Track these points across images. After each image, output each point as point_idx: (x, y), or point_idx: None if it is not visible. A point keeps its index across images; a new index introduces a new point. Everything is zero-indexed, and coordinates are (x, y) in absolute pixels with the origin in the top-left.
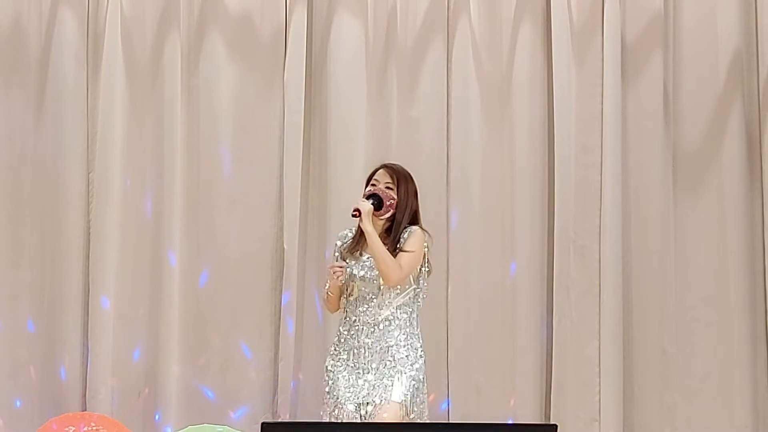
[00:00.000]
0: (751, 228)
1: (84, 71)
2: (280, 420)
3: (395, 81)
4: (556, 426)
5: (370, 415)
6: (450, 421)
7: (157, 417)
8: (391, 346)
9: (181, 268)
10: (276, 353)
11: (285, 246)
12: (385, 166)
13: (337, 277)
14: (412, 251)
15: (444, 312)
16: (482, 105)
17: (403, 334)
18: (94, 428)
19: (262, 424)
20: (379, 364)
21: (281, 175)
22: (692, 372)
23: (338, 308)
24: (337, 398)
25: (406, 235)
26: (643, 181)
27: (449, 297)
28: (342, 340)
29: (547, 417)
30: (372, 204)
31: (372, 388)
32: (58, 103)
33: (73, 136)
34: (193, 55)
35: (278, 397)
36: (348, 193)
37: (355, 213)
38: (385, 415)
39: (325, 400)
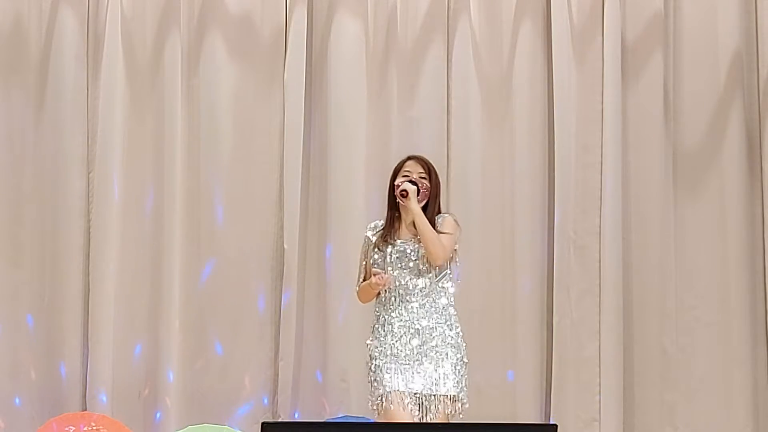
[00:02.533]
0: (751, 228)
1: (84, 71)
2: (280, 420)
3: (395, 81)
4: (556, 426)
5: (427, 410)
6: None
7: (157, 417)
8: (432, 327)
9: (181, 268)
10: (276, 353)
11: (285, 246)
12: (414, 158)
13: (384, 286)
14: (451, 233)
15: None
16: (482, 105)
17: (439, 313)
18: (94, 428)
19: (262, 424)
20: (423, 347)
21: (281, 175)
22: (692, 372)
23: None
24: (387, 390)
25: (440, 221)
26: (643, 181)
27: None
28: (382, 323)
29: (547, 417)
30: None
31: (422, 379)
32: (58, 103)
33: (73, 136)
34: (193, 55)
35: (278, 397)
36: (348, 193)
37: (403, 192)
38: (440, 411)
39: (371, 390)
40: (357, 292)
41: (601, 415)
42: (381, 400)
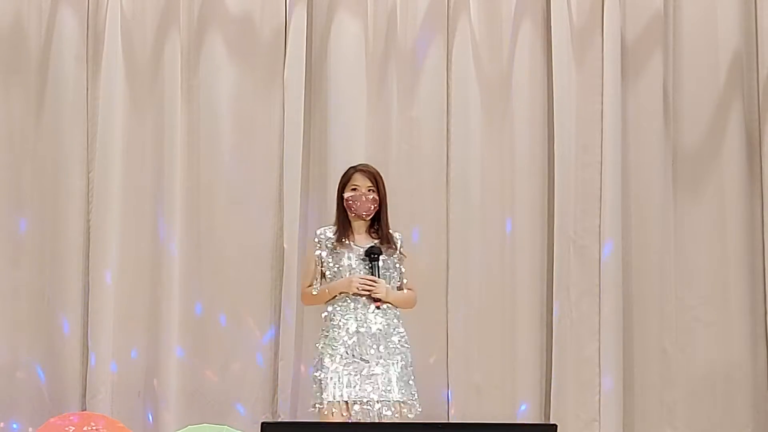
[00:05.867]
0: (751, 228)
1: (84, 71)
2: (280, 420)
3: (395, 81)
4: (556, 426)
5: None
6: (450, 421)
7: (156, 417)
8: (385, 332)
9: (181, 268)
10: (276, 353)
11: (285, 246)
12: (360, 170)
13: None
14: (413, 288)
15: (444, 312)
16: (482, 105)
17: (389, 318)
18: (94, 428)
19: (262, 424)
20: (376, 351)
21: (281, 175)
22: (692, 372)
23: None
24: (331, 393)
25: (396, 240)
26: (643, 181)
27: (449, 297)
28: (336, 326)
29: (547, 417)
30: (375, 257)
31: (371, 383)
32: (58, 103)
33: (73, 136)
34: (193, 55)
35: (278, 397)
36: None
37: (378, 305)
38: (388, 414)
39: (315, 393)
40: (313, 293)
41: (601, 415)
42: (323, 407)
